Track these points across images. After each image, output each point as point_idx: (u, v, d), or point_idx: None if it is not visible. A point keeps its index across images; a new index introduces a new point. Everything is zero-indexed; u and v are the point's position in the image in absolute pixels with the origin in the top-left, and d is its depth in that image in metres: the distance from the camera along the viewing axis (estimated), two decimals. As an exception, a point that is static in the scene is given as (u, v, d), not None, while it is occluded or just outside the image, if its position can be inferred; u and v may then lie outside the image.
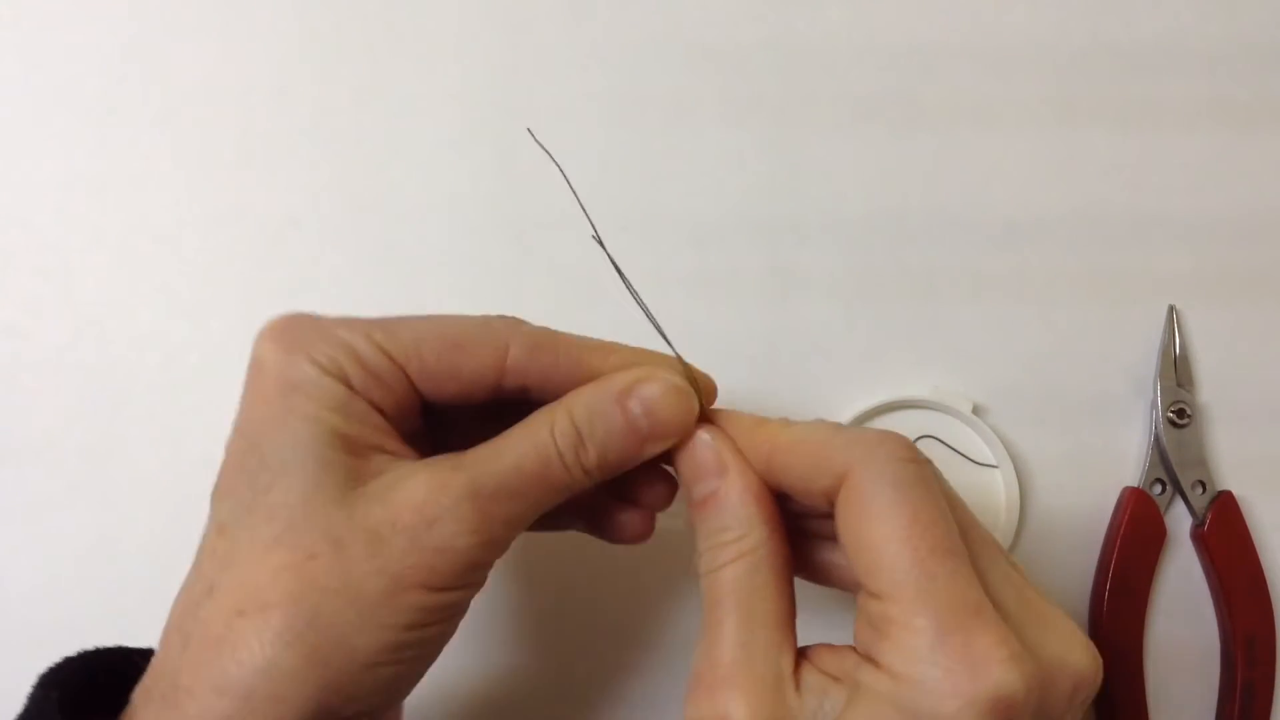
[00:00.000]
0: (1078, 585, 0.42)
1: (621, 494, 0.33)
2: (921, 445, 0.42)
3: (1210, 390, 0.43)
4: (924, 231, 0.44)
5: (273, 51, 0.45)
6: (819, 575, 0.32)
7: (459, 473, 0.28)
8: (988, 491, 0.42)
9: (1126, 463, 0.43)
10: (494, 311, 0.33)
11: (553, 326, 0.32)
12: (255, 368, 0.30)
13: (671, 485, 0.33)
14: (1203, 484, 0.42)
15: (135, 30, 0.45)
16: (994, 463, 0.42)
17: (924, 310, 0.43)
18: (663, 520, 0.34)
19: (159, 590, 0.42)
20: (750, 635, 0.27)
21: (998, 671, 0.24)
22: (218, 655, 0.26)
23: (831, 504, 0.28)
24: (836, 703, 0.26)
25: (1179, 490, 0.42)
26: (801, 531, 0.32)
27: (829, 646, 0.28)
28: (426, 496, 0.27)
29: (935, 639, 0.24)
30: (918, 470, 0.27)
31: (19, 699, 0.29)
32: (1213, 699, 0.42)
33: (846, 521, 0.27)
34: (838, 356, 0.43)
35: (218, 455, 0.42)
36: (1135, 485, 0.42)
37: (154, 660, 0.28)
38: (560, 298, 0.44)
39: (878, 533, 0.26)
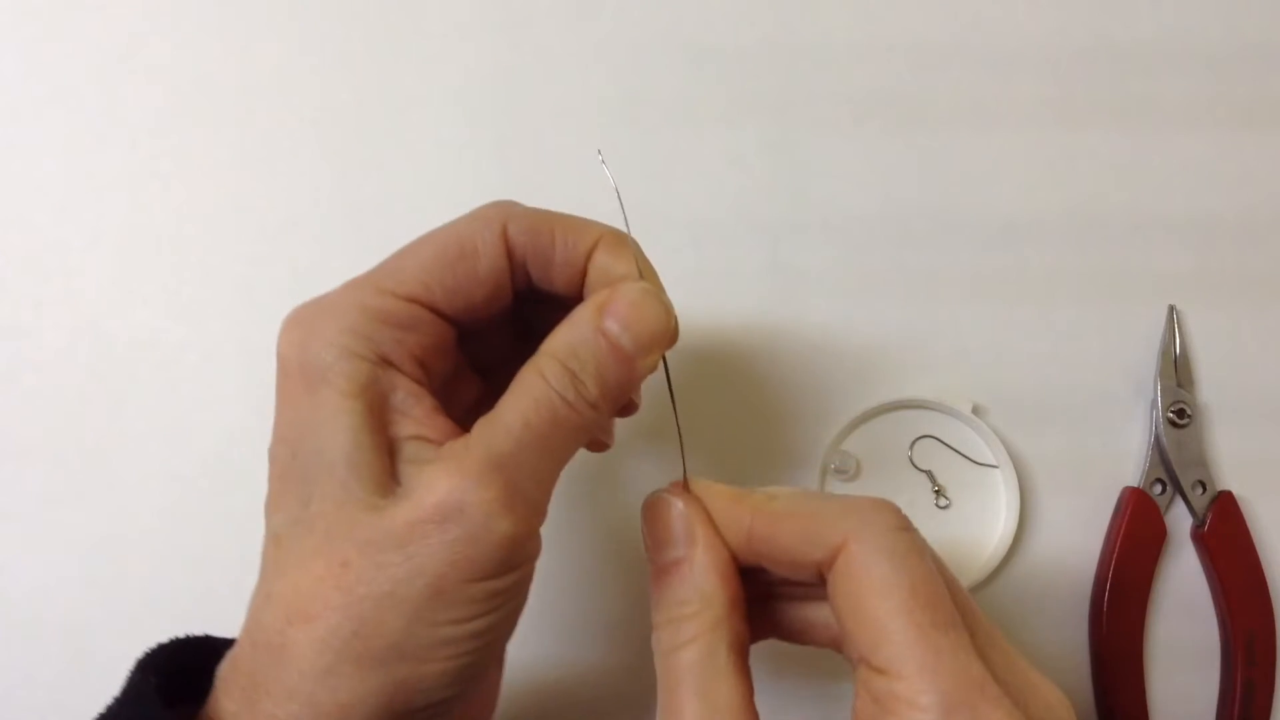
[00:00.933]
0: (1078, 585, 0.42)
1: None
2: (921, 445, 0.43)
3: (1210, 390, 0.43)
4: (924, 231, 0.44)
5: (273, 51, 0.45)
6: (795, 635, 0.31)
7: (471, 452, 0.27)
8: (988, 491, 0.42)
9: (1126, 463, 0.43)
10: None
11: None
12: (280, 367, 0.29)
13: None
14: (1203, 484, 0.42)
15: (135, 30, 0.45)
16: (994, 463, 0.42)
17: (924, 310, 0.43)
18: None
19: (159, 590, 0.42)
20: None
21: None
22: (281, 662, 0.27)
23: (820, 576, 0.28)
24: None
25: (1179, 490, 0.42)
26: (774, 594, 0.31)
27: None
28: (447, 487, 0.27)
29: (942, 717, 0.24)
30: (911, 540, 0.27)
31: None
32: (1213, 699, 0.42)
33: (845, 594, 0.27)
34: (838, 356, 0.43)
35: (218, 455, 0.43)
36: (1135, 485, 0.42)
37: (233, 653, 0.28)
38: (560, 298, 0.44)
39: (880, 607, 0.26)
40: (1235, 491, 0.42)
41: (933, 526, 0.42)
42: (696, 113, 0.45)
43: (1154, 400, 0.42)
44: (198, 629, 0.31)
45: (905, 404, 0.43)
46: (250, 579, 0.29)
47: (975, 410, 0.42)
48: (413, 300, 0.29)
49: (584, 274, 0.31)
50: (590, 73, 0.45)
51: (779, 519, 0.29)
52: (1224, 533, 0.42)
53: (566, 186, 0.45)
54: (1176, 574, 0.43)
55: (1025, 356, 0.43)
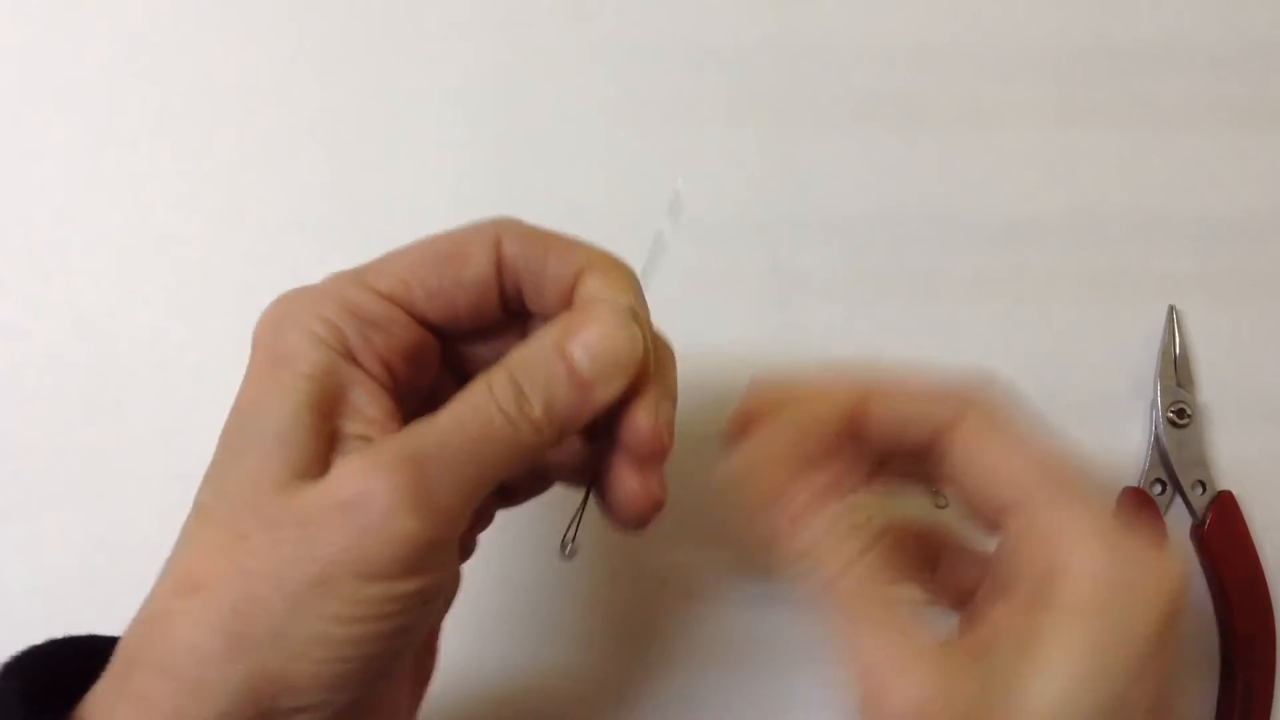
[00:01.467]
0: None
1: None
2: (921, 445, 0.42)
3: (1210, 390, 0.43)
4: (924, 231, 0.44)
5: (273, 51, 0.45)
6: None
7: (392, 444, 0.26)
8: (988, 491, 0.42)
9: (1126, 463, 0.43)
10: None
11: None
12: (252, 344, 0.29)
13: (649, 420, 0.29)
14: (1203, 484, 0.42)
15: (135, 30, 0.45)
16: (994, 463, 0.42)
17: (924, 310, 0.43)
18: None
19: (159, 590, 0.42)
20: (903, 630, 0.26)
21: (1170, 557, 0.26)
22: (158, 633, 0.26)
23: (931, 445, 0.29)
24: (1004, 665, 0.25)
25: (1179, 490, 0.42)
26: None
27: (954, 632, 0.28)
28: (357, 474, 0.25)
29: (1116, 537, 0.25)
30: (1020, 406, 0.28)
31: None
32: (1213, 699, 0.42)
33: (981, 453, 0.27)
34: (837, 356, 0.43)
35: (218, 455, 0.43)
36: (1135, 485, 0.42)
37: (122, 637, 0.27)
38: (560, 298, 0.44)
39: (1022, 457, 0.27)
40: (1235, 491, 0.42)
41: (933, 526, 0.42)
42: (696, 113, 0.45)
43: (1154, 400, 0.42)
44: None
45: (905, 404, 0.43)
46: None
47: (975, 410, 0.42)
48: (391, 298, 0.28)
49: (571, 296, 0.30)
50: (590, 73, 0.45)
51: (897, 397, 0.29)
52: (1224, 533, 0.42)
53: (566, 186, 0.45)
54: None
55: (1025, 356, 0.43)
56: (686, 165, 0.44)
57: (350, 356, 0.28)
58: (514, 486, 0.33)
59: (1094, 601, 0.25)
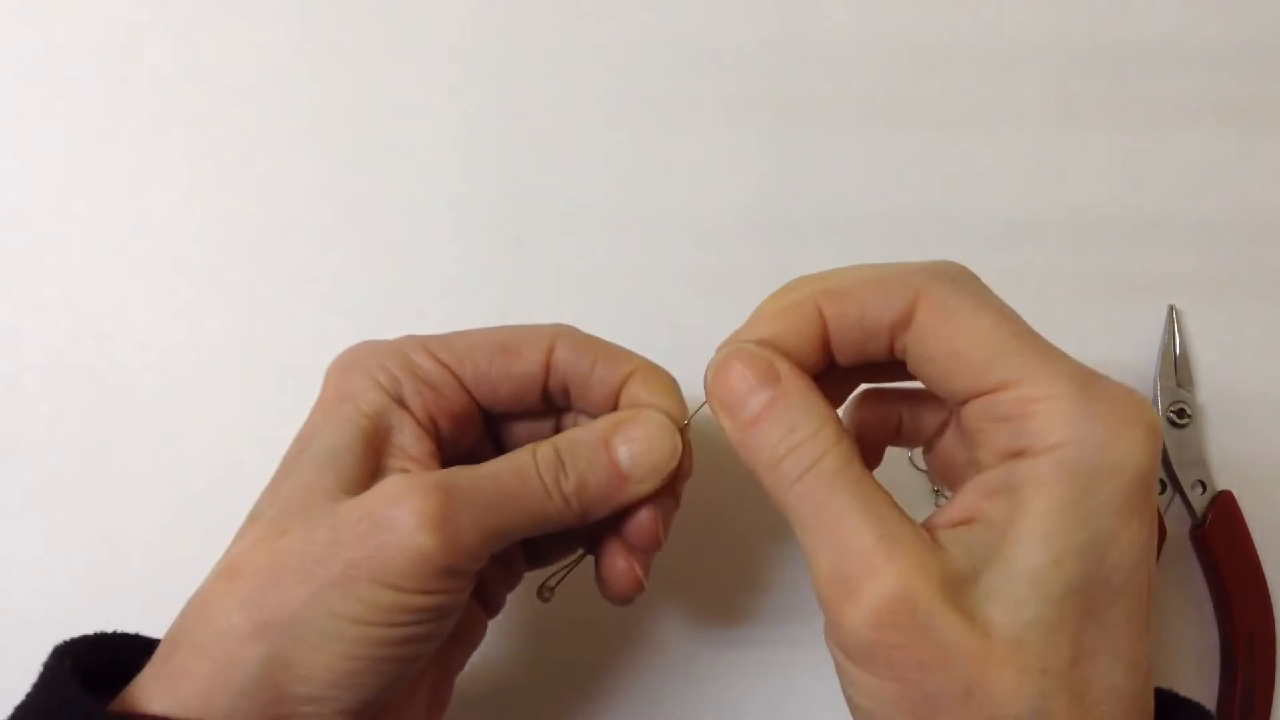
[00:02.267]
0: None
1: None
2: (921, 445, 0.43)
3: (1210, 390, 0.43)
4: (924, 231, 0.44)
5: (273, 51, 0.45)
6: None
7: (433, 475, 0.29)
8: (988, 491, 0.42)
9: (1126, 463, 0.43)
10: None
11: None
12: (324, 382, 0.32)
13: (653, 521, 0.32)
14: (1203, 484, 0.42)
15: (135, 30, 0.45)
16: (994, 463, 0.42)
17: (924, 310, 0.43)
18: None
19: (159, 589, 0.42)
20: (879, 516, 0.26)
21: (1143, 409, 0.25)
22: (198, 615, 0.28)
23: (892, 338, 0.28)
24: (982, 539, 0.26)
25: (1179, 490, 0.42)
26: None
27: (932, 514, 0.28)
28: (392, 494, 0.28)
29: (1082, 399, 0.25)
30: (978, 280, 0.28)
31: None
32: (1213, 699, 0.42)
33: (937, 337, 0.27)
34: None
35: (217, 455, 0.43)
36: (1135, 485, 0.42)
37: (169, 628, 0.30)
38: (560, 298, 0.44)
39: (979, 333, 0.26)
40: (1235, 491, 0.42)
41: (933, 526, 0.42)
42: (696, 113, 0.45)
43: (1154, 400, 0.42)
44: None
45: (905, 404, 0.43)
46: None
47: (975, 410, 0.42)
48: (446, 366, 0.32)
49: (617, 400, 0.32)
50: (590, 73, 0.45)
51: (849, 289, 0.28)
52: (1224, 533, 0.42)
53: (566, 186, 0.45)
54: (1176, 574, 0.43)
55: (1025, 356, 0.43)
56: (686, 165, 0.44)
57: (402, 404, 0.31)
58: (543, 549, 0.35)
59: (1067, 467, 0.25)
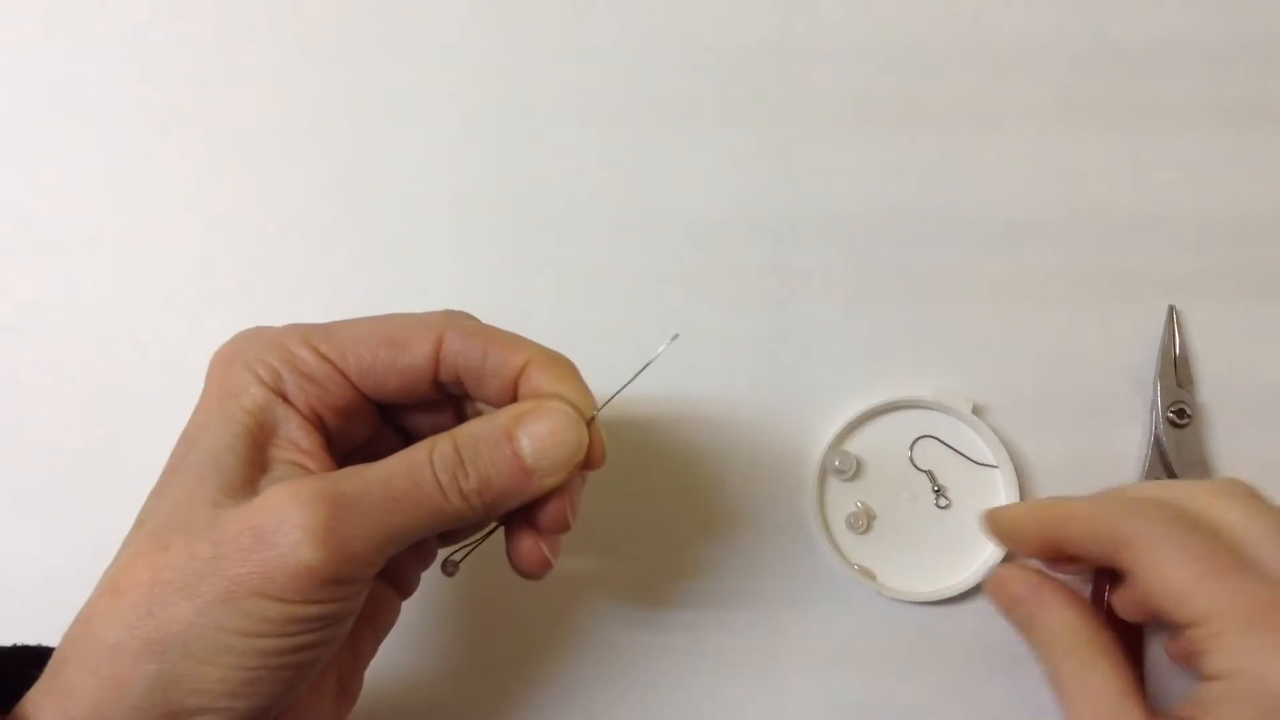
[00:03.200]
0: (1078, 586, 0.42)
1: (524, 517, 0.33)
2: (921, 445, 0.43)
3: (1210, 390, 0.43)
4: (924, 231, 0.44)
5: (273, 51, 0.45)
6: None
7: (319, 482, 0.28)
8: (988, 491, 0.42)
9: (1126, 463, 0.43)
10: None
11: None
12: (207, 375, 0.31)
13: (561, 508, 0.32)
14: (1203, 484, 0.42)
15: (135, 30, 0.45)
16: (994, 463, 0.42)
17: (924, 310, 0.43)
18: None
19: (159, 590, 0.42)
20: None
21: None
22: (84, 633, 0.28)
23: (1111, 559, 0.33)
24: None
25: (1179, 490, 0.42)
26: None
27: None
28: (276, 505, 0.27)
29: (1248, 637, 0.30)
30: (1184, 520, 0.32)
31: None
32: (1213, 699, 0.42)
33: (1146, 580, 0.32)
34: (838, 356, 0.43)
35: (218, 455, 0.43)
36: (1135, 485, 0.42)
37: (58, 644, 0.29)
38: (560, 298, 0.44)
39: (1173, 577, 0.31)
40: (1235, 491, 0.42)
41: (933, 526, 0.42)
42: (696, 113, 0.45)
43: (1154, 400, 0.42)
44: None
45: (905, 404, 0.43)
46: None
47: (975, 410, 0.42)
48: (329, 363, 0.31)
49: (514, 390, 0.31)
50: (590, 73, 0.45)
51: (1085, 516, 0.34)
52: (1224, 533, 0.42)
53: (566, 186, 0.45)
54: (1176, 574, 0.43)
55: (1025, 356, 0.43)
56: (686, 165, 0.44)
57: (285, 399, 0.30)
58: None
59: (1242, 695, 0.29)
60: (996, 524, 0.38)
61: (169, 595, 0.27)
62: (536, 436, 0.30)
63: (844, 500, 0.42)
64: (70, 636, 0.28)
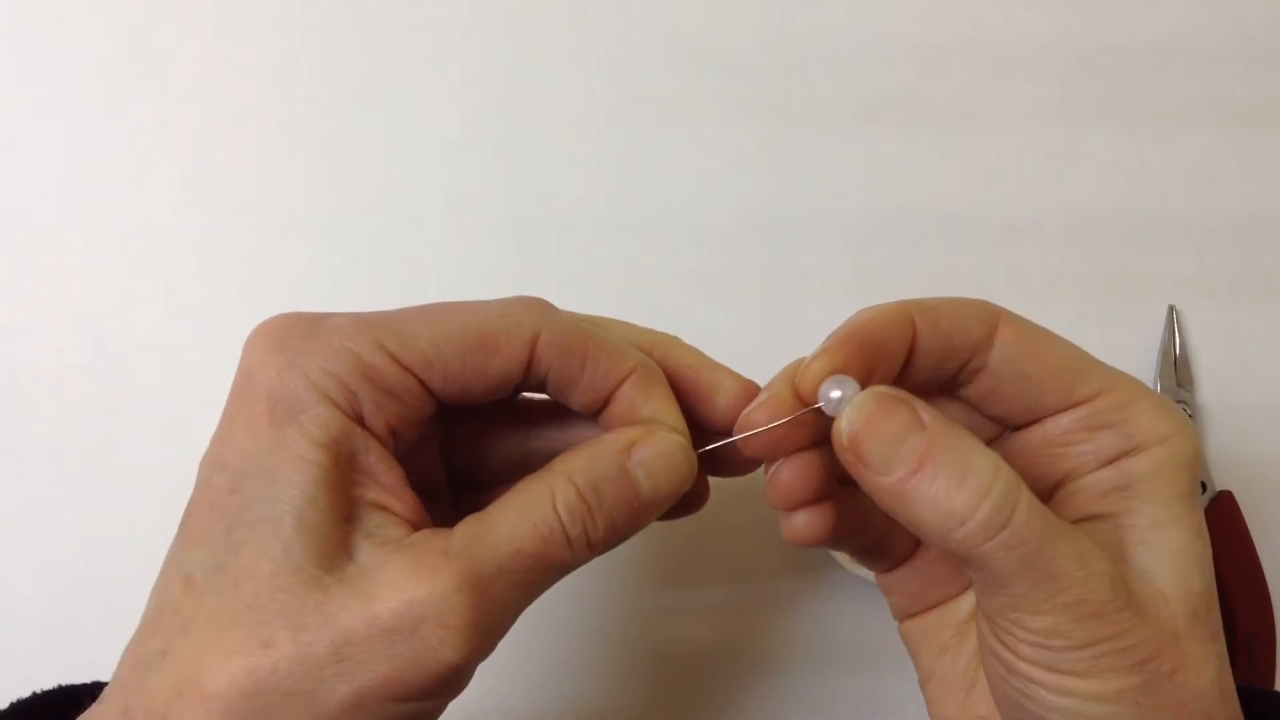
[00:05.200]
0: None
1: None
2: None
3: (1210, 390, 0.43)
4: (924, 231, 0.44)
5: (273, 51, 0.45)
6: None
7: (450, 561, 0.24)
8: (988, 491, 0.42)
9: (1126, 463, 0.43)
10: None
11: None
12: (244, 380, 0.26)
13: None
14: (1203, 484, 0.42)
15: (135, 30, 0.45)
16: (994, 463, 0.42)
17: (924, 310, 0.43)
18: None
19: (159, 590, 0.42)
20: (1078, 539, 0.25)
21: (1189, 422, 0.28)
22: None
23: (971, 355, 0.28)
24: (1105, 535, 0.26)
25: (1179, 490, 0.42)
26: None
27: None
28: (411, 595, 0.23)
29: (1160, 400, 0.27)
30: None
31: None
32: (1213, 699, 0.42)
33: (1027, 354, 0.28)
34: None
35: (218, 455, 0.43)
36: (1135, 485, 0.42)
37: (98, 714, 0.25)
38: (560, 298, 0.43)
39: (1062, 350, 0.28)
40: (1235, 491, 0.42)
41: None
42: (696, 113, 0.45)
43: (1154, 400, 0.42)
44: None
45: (905, 404, 0.43)
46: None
47: (975, 410, 0.42)
48: (410, 374, 0.26)
49: (607, 402, 0.28)
50: (590, 73, 0.45)
51: (936, 308, 0.28)
52: (1224, 533, 0.42)
53: (566, 186, 0.45)
54: (1176, 574, 0.43)
55: (1025, 356, 0.43)
56: (686, 165, 0.44)
57: (360, 421, 0.26)
58: None
59: (1179, 457, 0.26)
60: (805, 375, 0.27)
61: (278, 706, 0.23)
62: (651, 467, 0.27)
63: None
64: None
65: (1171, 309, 0.43)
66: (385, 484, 0.26)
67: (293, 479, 0.24)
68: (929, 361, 0.28)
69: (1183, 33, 0.45)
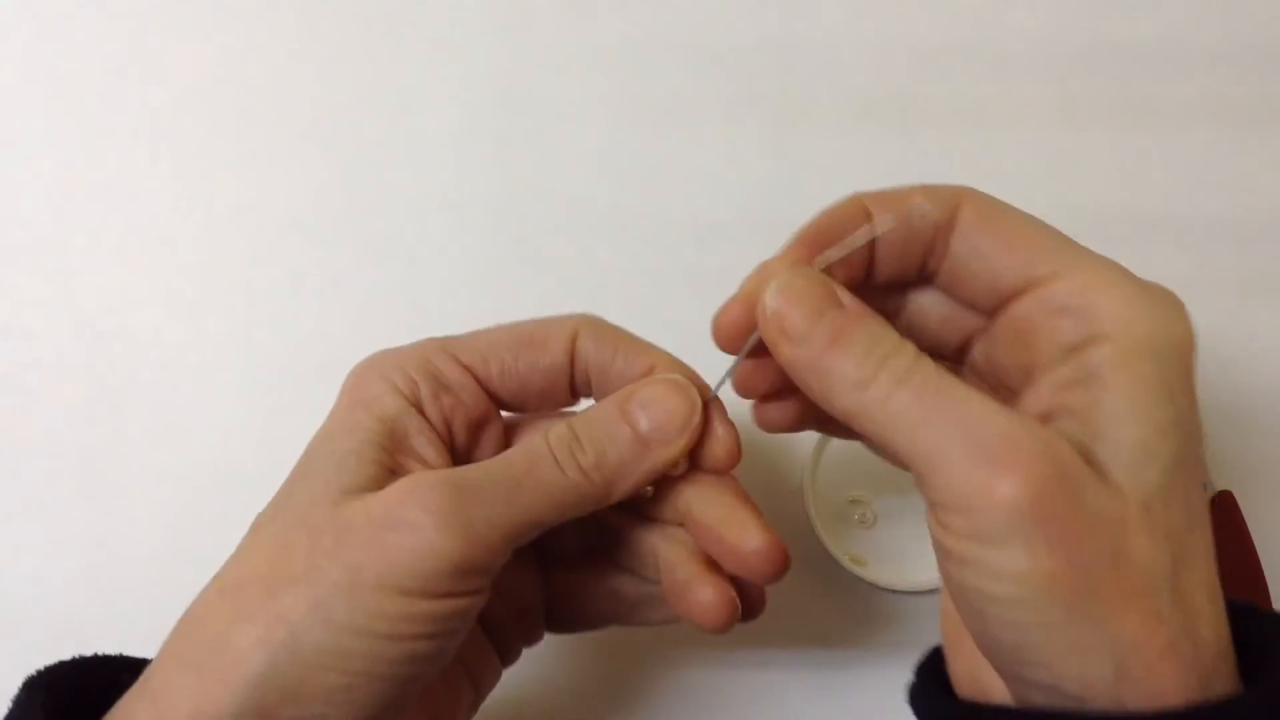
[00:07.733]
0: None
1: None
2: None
3: (1210, 390, 0.43)
4: (924, 231, 0.44)
5: (273, 51, 0.45)
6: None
7: (440, 472, 0.28)
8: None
9: (1126, 463, 0.43)
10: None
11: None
12: (341, 389, 0.31)
13: (730, 435, 0.31)
14: (1203, 484, 0.42)
15: (135, 30, 0.45)
16: (994, 463, 0.42)
17: (924, 310, 0.43)
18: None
19: (159, 591, 0.42)
20: (995, 403, 0.24)
21: (1173, 293, 0.26)
22: (193, 630, 0.27)
23: (934, 240, 0.28)
24: (1069, 429, 0.25)
25: (1179, 490, 0.42)
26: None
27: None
28: (398, 491, 0.27)
29: (1134, 283, 0.26)
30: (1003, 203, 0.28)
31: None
32: (1213, 699, 0.42)
33: (986, 233, 0.27)
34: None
35: (217, 455, 0.43)
36: (1135, 485, 0.42)
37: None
38: (560, 298, 0.44)
39: (1024, 228, 0.27)
40: (1235, 491, 0.42)
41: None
42: (696, 113, 0.45)
43: (1154, 400, 0.42)
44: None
45: (905, 404, 0.43)
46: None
47: (975, 410, 0.42)
48: (469, 369, 0.31)
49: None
50: (590, 73, 0.45)
51: (893, 195, 0.28)
52: (1224, 533, 0.42)
53: (566, 186, 0.45)
54: (1176, 574, 0.43)
55: (1025, 356, 0.43)
56: (686, 165, 0.44)
57: (419, 409, 0.30)
58: (567, 611, 0.34)
59: (1145, 345, 0.25)
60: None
61: (283, 589, 0.26)
62: (649, 405, 0.30)
63: (839, 491, 0.42)
64: (175, 635, 0.27)
65: (1171, 309, 0.43)
66: (428, 460, 0.29)
67: (346, 439, 0.29)
68: (892, 250, 0.28)
69: (1183, 33, 0.45)
